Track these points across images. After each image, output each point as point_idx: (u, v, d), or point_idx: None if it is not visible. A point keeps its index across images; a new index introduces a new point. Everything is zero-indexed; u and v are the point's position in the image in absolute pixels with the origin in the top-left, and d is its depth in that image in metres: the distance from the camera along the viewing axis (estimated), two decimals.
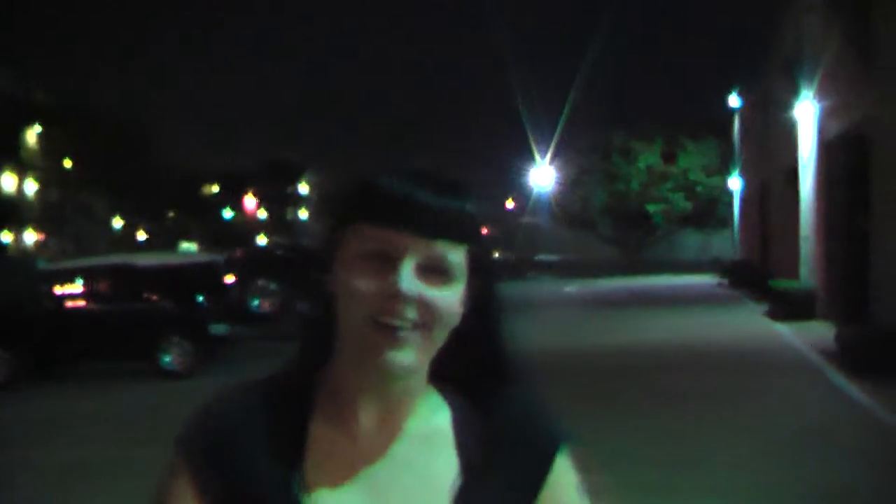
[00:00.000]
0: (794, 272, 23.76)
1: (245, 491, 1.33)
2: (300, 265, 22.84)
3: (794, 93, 23.08)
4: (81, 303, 17.16)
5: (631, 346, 17.82)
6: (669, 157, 57.70)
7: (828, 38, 20.06)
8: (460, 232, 1.32)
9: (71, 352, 16.23)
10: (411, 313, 1.28)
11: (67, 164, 54.69)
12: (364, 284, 1.29)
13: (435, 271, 1.30)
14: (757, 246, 35.69)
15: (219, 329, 16.37)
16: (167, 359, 15.60)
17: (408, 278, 1.27)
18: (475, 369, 1.43)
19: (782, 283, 22.53)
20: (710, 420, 10.47)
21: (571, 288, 39.04)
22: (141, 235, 71.10)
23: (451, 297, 1.32)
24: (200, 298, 16.78)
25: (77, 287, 17.46)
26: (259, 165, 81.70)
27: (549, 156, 56.88)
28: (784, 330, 18.97)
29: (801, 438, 9.43)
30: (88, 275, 17.55)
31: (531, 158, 57.57)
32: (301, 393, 1.39)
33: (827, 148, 20.87)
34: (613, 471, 8.15)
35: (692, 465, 8.38)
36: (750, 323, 21.27)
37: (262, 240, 74.32)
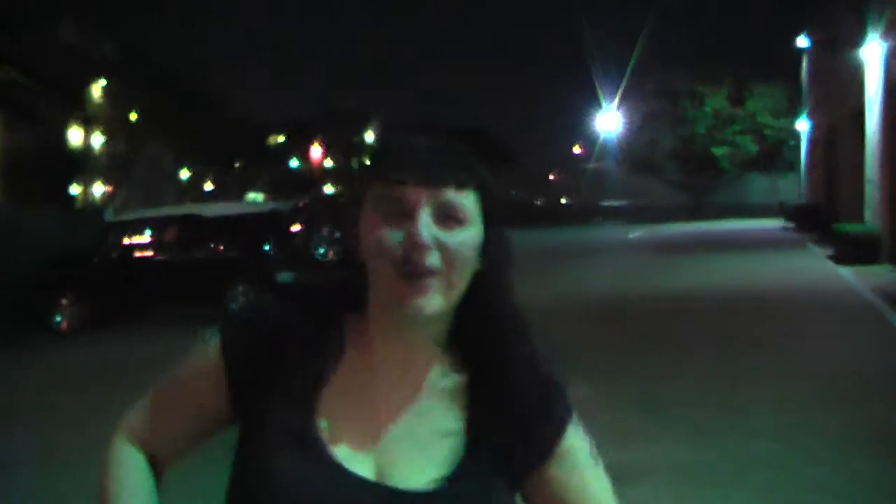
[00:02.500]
0: (860, 216, 23.46)
1: (266, 396, 1.48)
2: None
3: (861, 33, 22.66)
4: (149, 252, 17.50)
5: (692, 290, 17.79)
6: (737, 100, 56.99)
7: None
8: (462, 178, 1.44)
9: (138, 300, 16.69)
10: (433, 259, 1.40)
11: (133, 116, 55.24)
12: (387, 238, 1.41)
13: (449, 217, 1.42)
14: (823, 189, 35.22)
15: (284, 277, 16.59)
16: (233, 306, 15.92)
17: (426, 226, 1.40)
18: (488, 325, 1.51)
19: (846, 227, 22.26)
20: (766, 362, 10.46)
21: (637, 233, 38.87)
22: (208, 186, 71.80)
23: (467, 240, 1.44)
24: (266, 247, 16.97)
25: (145, 237, 17.78)
26: (322, 114, 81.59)
27: (616, 100, 56.45)
28: (847, 273, 18.79)
29: (859, 381, 9.40)
30: (156, 225, 17.85)
31: (598, 104, 57.20)
32: (335, 330, 1.53)
33: (893, 89, 20.51)
34: (666, 413, 8.29)
35: (746, 407, 8.42)
36: (813, 267, 21.10)
37: (328, 188, 74.61)
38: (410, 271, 1.40)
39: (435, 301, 1.41)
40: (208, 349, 1.53)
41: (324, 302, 1.55)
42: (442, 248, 1.41)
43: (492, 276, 1.48)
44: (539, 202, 69.48)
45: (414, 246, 1.39)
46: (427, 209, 1.41)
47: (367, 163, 1.51)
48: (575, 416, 1.55)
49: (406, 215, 1.41)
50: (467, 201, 1.44)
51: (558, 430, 1.53)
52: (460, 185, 1.43)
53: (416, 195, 1.41)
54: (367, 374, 1.51)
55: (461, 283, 1.44)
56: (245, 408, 1.50)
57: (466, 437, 1.49)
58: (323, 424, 1.46)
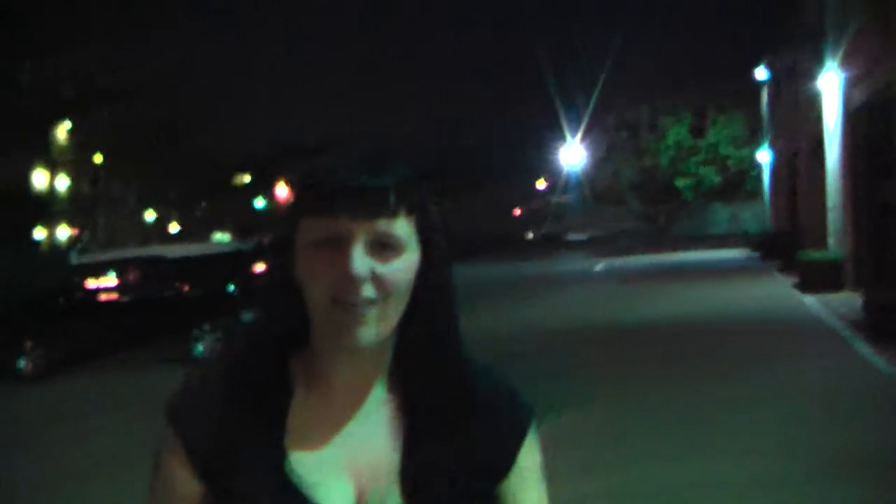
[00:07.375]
0: (823, 243, 23.64)
1: (232, 457, 1.44)
2: None
3: (818, 63, 22.95)
4: (113, 294, 17.39)
5: (656, 318, 17.88)
6: (698, 132, 57.50)
7: (849, 6, 19.93)
8: (396, 207, 1.40)
9: (103, 342, 16.52)
10: (368, 291, 1.38)
11: (98, 158, 55.09)
12: (321, 270, 1.39)
13: (384, 246, 1.39)
14: (787, 218, 35.51)
15: (247, 316, 16.47)
16: (198, 346, 15.80)
17: (359, 259, 1.37)
18: (431, 338, 1.50)
19: (810, 254, 22.42)
20: (730, 386, 10.55)
21: (601, 265, 38.95)
22: (174, 227, 71.60)
23: (402, 268, 1.41)
24: (230, 287, 16.91)
25: (109, 279, 17.67)
26: (284, 151, 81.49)
27: (579, 134, 56.85)
28: (811, 300, 18.91)
29: (824, 403, 9.47)
30: (120, 267, 17.76)
31: (562, 137, 57.55)
32: (278, 370, 1.50)
33: (851, 117, 20.76)
34: (630, 436, 8.26)
35: (712, 429, 8.48)
36: (778, 294, 21.21)
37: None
38: (345, 304, 1.38)
39: (371, 331, 1.40)
40: (166, 449, 1.49)
41: (266, 342, 1.51)
42: (376, 279, 1.38)
43: (430, 297, 1.47)
44: (502, 235, 69.64)
45: (348, 279, 1.37)
46: (360, 240, 1.38)
47: (299, 194, 1.45)
48: (533, 428, 1.55)
49: (339, 247, 1.38)
50: (401, 229, 1.41)
51: (518, 440, 1.53)
52: (394, 214, 1.40)
53: (348, 228, 1.38)
54: (322, 407, 1.49)
55: (398, 310, 1.43)
56: (212, 476, 1.46)
57: (417, 437, 1.49)
58: (293, 465, 1.44)
